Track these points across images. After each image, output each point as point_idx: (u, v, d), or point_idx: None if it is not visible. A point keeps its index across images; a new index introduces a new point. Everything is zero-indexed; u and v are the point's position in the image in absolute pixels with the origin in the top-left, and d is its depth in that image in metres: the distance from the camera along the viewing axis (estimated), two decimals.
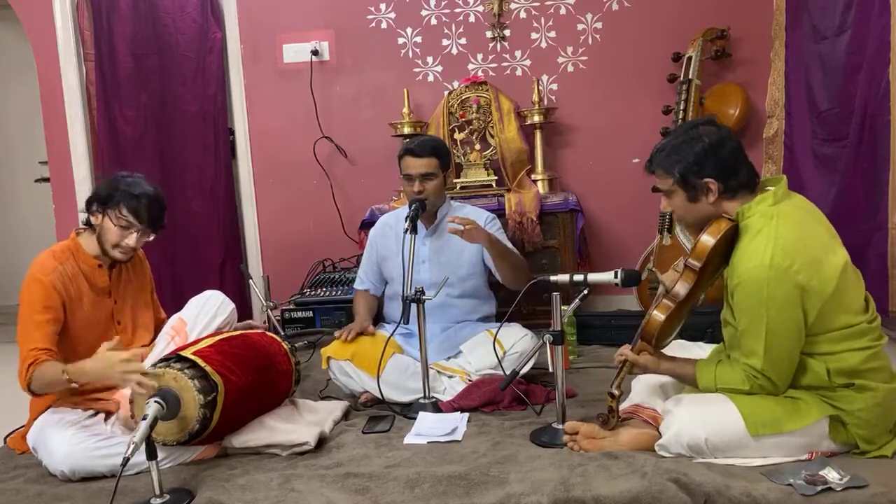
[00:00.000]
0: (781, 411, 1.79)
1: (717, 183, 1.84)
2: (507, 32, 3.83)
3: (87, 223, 2.28)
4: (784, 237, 1.75)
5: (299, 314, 3.50)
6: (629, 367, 1.98)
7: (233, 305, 2.44)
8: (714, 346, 2.16)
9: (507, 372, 2.21)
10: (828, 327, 1.78)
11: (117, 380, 1.96)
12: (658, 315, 1.91)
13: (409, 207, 2.58)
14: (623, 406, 2.08)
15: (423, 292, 2.36)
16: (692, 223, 1.93)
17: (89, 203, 2.25)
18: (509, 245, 2.67)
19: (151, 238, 2.27)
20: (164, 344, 2.27)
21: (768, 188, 1.88)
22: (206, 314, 2.35)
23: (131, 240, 2.21)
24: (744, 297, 1.78)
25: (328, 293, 3.53)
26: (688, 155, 1.85)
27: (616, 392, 1.98)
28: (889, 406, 1.81)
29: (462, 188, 3.62)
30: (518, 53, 3.84)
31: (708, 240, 1.83)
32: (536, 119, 3.61)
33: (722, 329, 2.01)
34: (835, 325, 1.77)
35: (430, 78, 3.89)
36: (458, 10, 3.85)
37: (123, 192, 2.19)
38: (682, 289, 1.89)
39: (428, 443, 2.14)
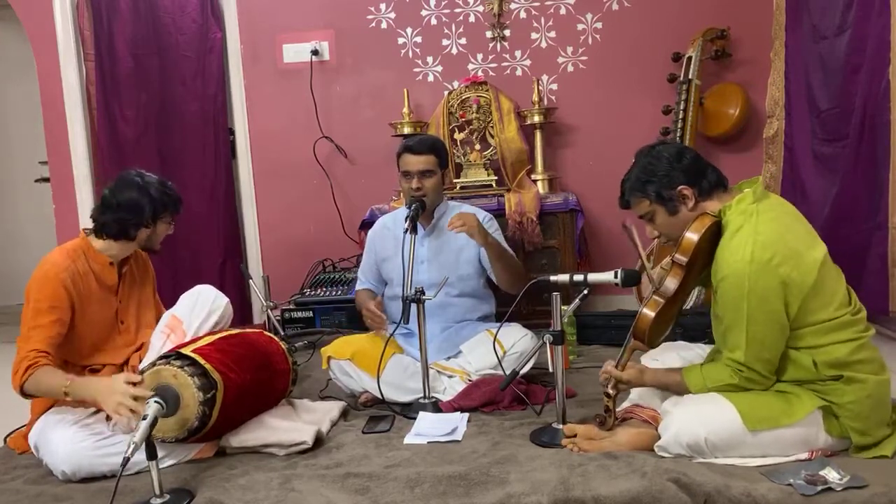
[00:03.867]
0: (777, 406, 1.81)
1: (690, 188, 1.91)
2: (507, 32, 3.84)
3: (116, 234, 2.26)
4: (764, 233, 1.79)
5: (299, 314, 3.50)
6: (614, 383, 1.98)
7: (226, 299, 2.43)
8: (714, 346, 2.16)
9: (507, 372, 2.21)
10: (811, 321, 1.80)
11: (109, 407, 1.91)
12: (648, 312, 1.93)
13: (409, 207, 2.58)
14: (622, 406, 2.09)
15: (423, 292, 2.36)
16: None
17: (137, 223, 2.25)
18: (506, 246, 2.67)
19: None
20: (161, 343, 2.26)
21: (745, 189, 1.92)
22: (200, 310, 2.34)
23: (172, 229, 2.42)
24: (726, 291, 1.82)
25: (328, 293, 3.54)
26: (655, 173, 1.93)
27: (612, 392, 1.99)
28: (880, 398, 1.83)
29: (462, 188, 3.62)
30: (518, 53, 3.84)
31: (692, 236, 1.87)
32: (536, 119, 3.61)
33: (713, 326, 2.02)
34: (818, 318, 1.80)
35: (430, 78, 3.90)
36: (458, 10, 3.85)
37: (167, 194, 2.32)
38: (671, 284, 1.92)
39: (428, 443, 2.14)
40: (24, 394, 2.08)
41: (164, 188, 2.32)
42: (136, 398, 1.88)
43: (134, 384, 1.92)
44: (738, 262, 1.78)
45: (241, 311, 4.02)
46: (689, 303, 2.81)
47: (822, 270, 1.81)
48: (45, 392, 2.06)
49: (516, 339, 2.53)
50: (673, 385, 1.96)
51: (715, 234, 1.88)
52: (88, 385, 2.00)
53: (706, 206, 1.91)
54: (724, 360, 1.88)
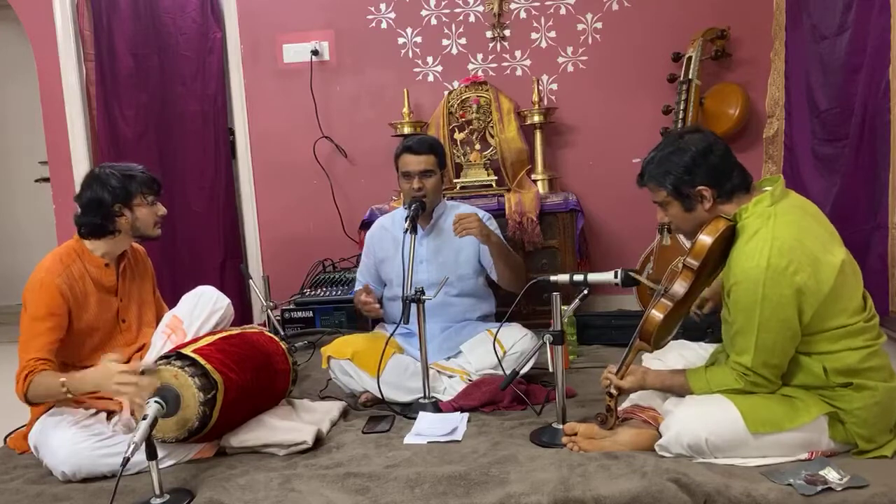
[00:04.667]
0: (781, 410, 1.80)
1: (710, 189, 1.85)
2: (507, 32, 3.83)
3: (96, 233, 2.25)
4: (781, 238, 1.76)
5: (299, 314, 3.50)
6: (616, 389, 1.98)
7: (228, 300, 2.43)
8: (715, 346, 2.16)
9: (507, 372, 2.21)
10: (824, 327, 1.78)
11: (112, 390, 1.95)
12: (657, 314, 1.92)
13: (409, 207, 2.58)
14: (622, 406, 2.08)
15: (423, 292, 2.36)
16: (691, 231, 1.93)
17: (106, 215, 2.21)
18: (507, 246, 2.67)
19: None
20: (161, 342, 2.26)
21: (765, 188, 1.88)
22: (201, 311, 2.35)
23: (162, 209, 2.34)
24: (740, 296, 1.80)
25: (328, 293, 3.54)
26: (677, 166, 1.86)
27: (614, 392, 1.99)
28: (888, 405, 1.82)
29: (462, 188, 3.62)
30: (518, 53, 3.84)
31: (706, 239, 1.84)
32: (536, 119, 3.61)
33: (721, 329, 2.01)
34: (831, 324, 1.78)
35: (430, 78, 3.89)
36: (458, 10, 3.85)
37: (130, 177, 2.25)
38: (680, 288, 1.90)
39: (428, 443, 2.14)
40: (29, 402, 2.09)
41: (128, 172, 2.26)
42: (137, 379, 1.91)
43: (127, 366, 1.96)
44: (754, 269, 1.75)
45: (241, 311, 4.02)
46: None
47: (840, 277, 1.77)
48: (46, 395, 2.06)
49: (516, 339, 2.53)
50: (676, 387, 1.95)
51: (728, 237, 1.85)
52: (85, 377, 2.00)
53: (723, 209, 1.87)
54: (729, 364, 1.86)
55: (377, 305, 2.60)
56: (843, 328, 1.78)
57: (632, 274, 2.04)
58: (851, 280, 1.83)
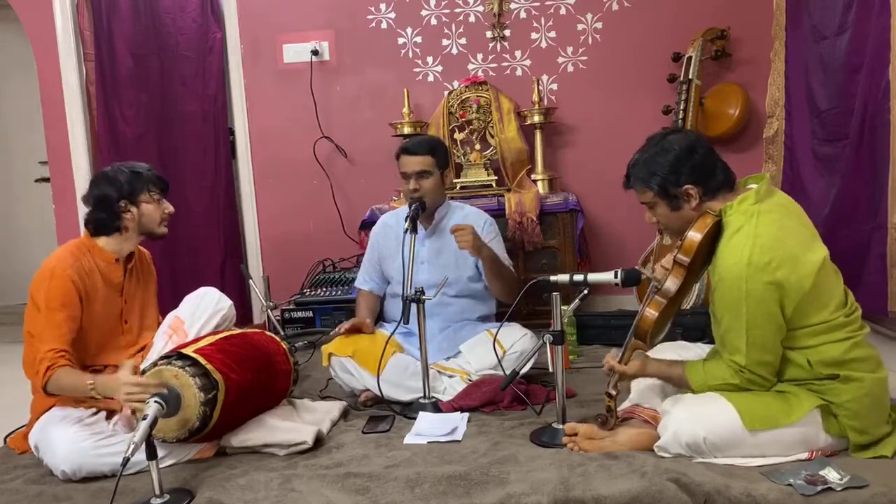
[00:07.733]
0: (776, 406, 1.81)
1: (695, 187, 1.87)
2: (507, 32, 3.83)
3: (103, 229, 2.26)
4: (763, 235, 1.78)
5: (299, 314, 3.50)
6: (615, 382, 1.98)
7: (230, 301, 2.44)
8: (713, 345, 2.16)
9: (507, 372, 2.21)
10: (805, 323, 1.80)
11: (122, 399, 1.97)
12: (651, 312, 1.93)
13: (409, 207, 2.58)
14: (622, 406, 2.09)
15: (422, 292, 2.36)
16: (678, 230, 1.94)
17: (112, 211, 2.23)
18: (503, 255, 2.68)
19: None
20: (163, 343, 2.27)
21: (750, 186, 1.91)
22: (203, 312, 2.36)
23: (169, 207, 2.36)
24: (724, 293, 1.82)
25: (328, 293, 3.53)
26: (662, 166, 1.88)
27: (613, 392, 1.99)
28: (878, 396, 1.83)
29: (462, 188, 3.62)
30: (518, 53, 3.84)
31: (695, 235, 1.86)
32: (536, 119, 3.61)
33: (712, 326, 2.02)
34: (812, 320, 1.80)
35: (430, 78, 3.89)
36: (458, 10, 3.85)
37: (137, 174, 2.28)
38: (672, 285, 1.91)
39: (428, 443, 2.14)
40: (48, 392, 2.09)
41: (135, 170, 2.29)
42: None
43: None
44: (736, 265, 1.77)
45: (241, 311, 4.01)
46: (689, 303, 2.82)
47: (820, 274, 1.80)
48: (69, 391, 2.07)
49: (516, 339, 2.53)
50: (675, 378, 1.96)
51: (716, 233, 1.87)
52: (108, 382, 2.01)
53: (709, 206, 1.89)
54: (725, 360, 1.87)
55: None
56: (825, 324, 1.80)
57: (640, 268, 2.05)
58: (832, 277, 1.86)
